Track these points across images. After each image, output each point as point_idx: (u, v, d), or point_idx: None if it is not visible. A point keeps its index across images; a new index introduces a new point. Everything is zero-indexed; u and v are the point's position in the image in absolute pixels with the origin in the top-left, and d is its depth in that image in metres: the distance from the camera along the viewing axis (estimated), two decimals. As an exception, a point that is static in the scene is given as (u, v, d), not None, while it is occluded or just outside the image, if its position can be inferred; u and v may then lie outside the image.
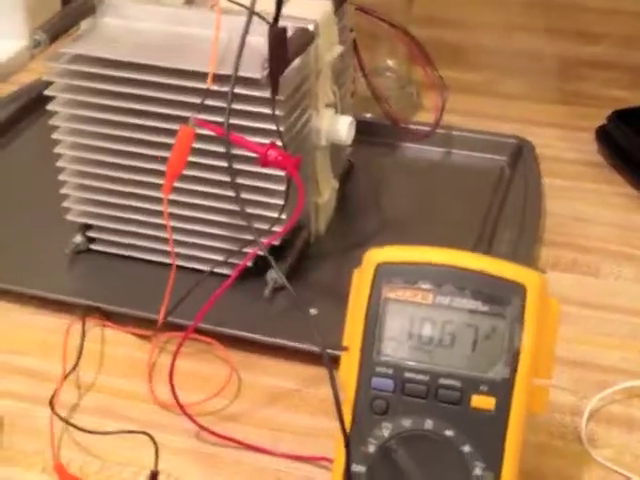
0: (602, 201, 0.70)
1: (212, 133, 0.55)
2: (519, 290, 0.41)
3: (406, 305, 0.41)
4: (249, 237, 0.59)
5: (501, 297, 0.41)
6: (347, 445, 0.39)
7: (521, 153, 0.73)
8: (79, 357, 0.55)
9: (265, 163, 0.54)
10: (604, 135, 0.75)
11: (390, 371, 0.41)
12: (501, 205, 0.68)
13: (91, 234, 0.63)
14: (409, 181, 0.72)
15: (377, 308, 0.42)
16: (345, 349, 0.43)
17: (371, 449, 0.41)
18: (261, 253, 0.59)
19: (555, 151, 0.75)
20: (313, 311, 0.59)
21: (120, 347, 0.57)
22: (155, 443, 0.46)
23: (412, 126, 0.75)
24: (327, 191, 0.65)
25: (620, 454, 0.49)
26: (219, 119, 0.54)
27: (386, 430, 0.41)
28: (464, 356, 0.41)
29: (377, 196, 0.71)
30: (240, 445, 0.50)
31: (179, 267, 0.58)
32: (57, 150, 0.61)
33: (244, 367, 0.55)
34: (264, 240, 0.54)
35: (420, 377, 0.41)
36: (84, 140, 0.60)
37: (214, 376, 0.54)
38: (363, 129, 0.67)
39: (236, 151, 0.56)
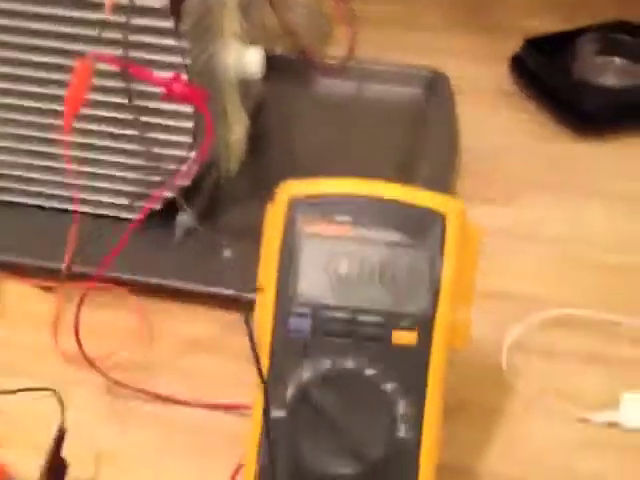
0: (518, 130, 0.69)
1: (112, 68, 0.52)
2: (438, 219, 0.39)
3: (322, 240, 0.39)
4: (156, 179, 0.56)
5: (420, 227, 0.39)
6: (265, 389, 0.37)
7: (435, 85, 0.71)
8: (-23, 313, 0.52)
9: (170, 97, 0.50)
10: (518, 64, 0.74)
11: (307, 310, 0.39)
12: (417, 139, 0.67)
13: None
14: (322, 117, 0.70)
15: (292, 244, 0.40)
16: (260, 290, 0.41)
17: (290, 392, 0.39)
18: (169, 195, 0.56)
19: (469, 82, 0.73)
20: (227, 253, 0.56)
21: (22, 300, 0.54)
22: (61, 400, 0.43)
23: (323, 60, 0.72)
24: (238, 128, 0.62)
25: (541, 383, 0.49)
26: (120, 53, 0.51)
27: (305, 372, 0.39)
28: (384, 291, 0.39)
29: (290, 133, 0.68)
30: (155, 397, 0.48)
31: (83, 213, 0.54)
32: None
33: (157, 316, 0.53)
34: (171, 180, 0.51)
35: (339, 315, 0.39)
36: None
37: (125, 327, 0.52)
38: (273, 64, 0.64)
39: (139, 87, 0.52)
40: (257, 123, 0.67)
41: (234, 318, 0.52)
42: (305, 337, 0.39)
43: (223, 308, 0.53)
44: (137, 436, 0.46)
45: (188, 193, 0.57)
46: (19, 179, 0.58)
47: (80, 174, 0.56)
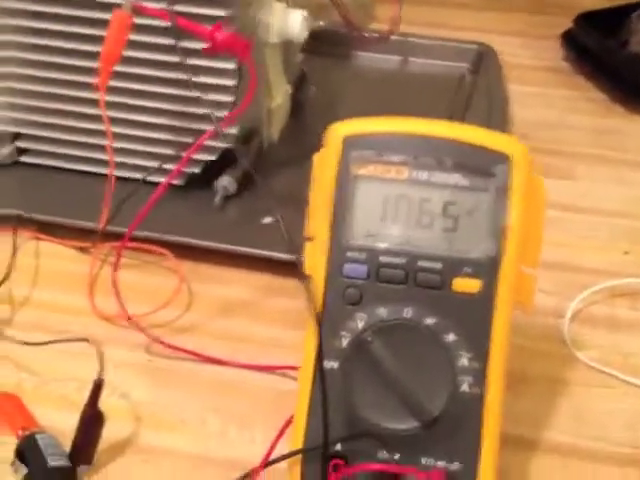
0: (570, 107, 0.67)
1: (152, 22, 0.50)
2: (504, 160, 0.36)
3: (378, 182, 0.37)
4: (192, 140, 0.54)
5: (484, 169, 0.36)
6: (320, 335, 0.35)
7: (483, 59, 0.69)
8: (10, 270, 0.50)
9: (213, 46, 0.48)
10: (570, 40, 0.71)
11: (363, 256, 0.37)
12: (464, 113, 0.64)
13: (21, 144, 0.57)
14: (366, 90, 0.68)
15: (346, 188, 0.37)
16: (309, 239, 0.39)
17: (344, 343, 0.36)
18: (208, 158, 0.55)
19: (519, 59, 0.71)
20: (267, 220, 0.54)
21: (57, 260, 0.52)
22: (98, 349, 0.41)
23: (367, 33, 0.70)
24: (280, 95, 0.60)
25: (605, 354, 0.46)
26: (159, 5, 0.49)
27: (360, 321, 0.36)
28: (445, 236, 0.36)
29: (333, 105, 0.66)
30: (196, 357, 0.45)
31: (118, 177, 0.52)
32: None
33: (194, 277, 0.50)
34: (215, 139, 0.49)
35: (397, 260, 0.36)
36: (9, 36, 0.54)
37: (162, 287, 0.49)
38: (316, 37, 0.62)
39: (179, 43, 0.50)
40: (299, 93, 0.65)
41: (271, 282, 0.50)
42: (360, 284, 0.37)
43: (260, 271, 0.51)
44: (175, 394, 0.44)
45: (230, 159, 0.56)
46: (56, 142, 0.56)
47: (116, 136, 0.54)
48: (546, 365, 0.46)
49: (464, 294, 0.36)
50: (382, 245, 0.37)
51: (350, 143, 0.37)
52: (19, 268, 0.50)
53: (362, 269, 0.37)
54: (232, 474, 0.39)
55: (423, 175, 0.37)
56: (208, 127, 0.52)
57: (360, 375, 0.36)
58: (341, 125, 0.38)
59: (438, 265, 0.36)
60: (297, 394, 0.37)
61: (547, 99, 0.67)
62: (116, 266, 0.45)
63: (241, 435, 0.42)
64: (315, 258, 0.38)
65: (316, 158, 0.39)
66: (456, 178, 0.37)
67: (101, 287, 0.49)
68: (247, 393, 0.44)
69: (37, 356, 0.45)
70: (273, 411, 0.43)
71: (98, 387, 0.39)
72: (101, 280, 0.50)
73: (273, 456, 0.38)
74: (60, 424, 0.40)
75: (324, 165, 0.38)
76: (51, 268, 0.51)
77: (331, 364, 0.36)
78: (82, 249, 0.52)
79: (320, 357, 0.35)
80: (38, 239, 0.52)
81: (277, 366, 0.45)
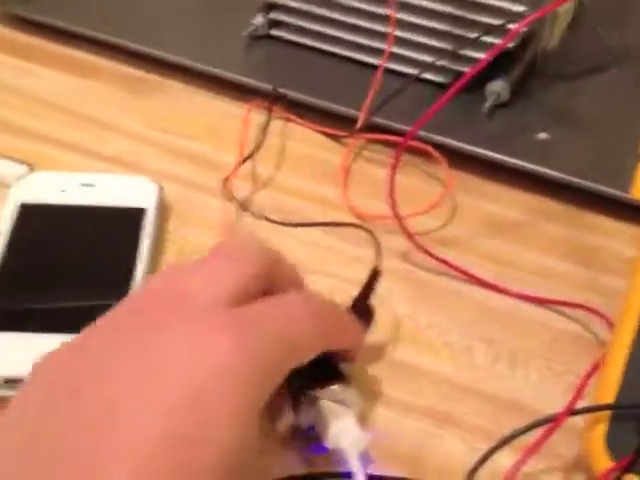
0: None
1: None
2: None
3: None
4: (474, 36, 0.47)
5: None
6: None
7: None
8: (257, 148, 0.45)
9: None
10: None
11: None
12: None
13: (275, 16, 0.52)
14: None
15: None
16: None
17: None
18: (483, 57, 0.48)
19: None
20: (543, 135, 0.47)
21: (305, 145, 0.46)
22: (376, 240, 0.35)
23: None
24: (569, -1, 0.52)
25: None
26: None
27: None
28: None
29: (617, 16, 0.58)
30: (464, 276, 0.39)
31: (389, 70, 0.47)
32: None
33: (459, 187, 0.44)
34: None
35: None
36: None
37: (424, 192, 0.43)
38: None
39: None
40: (581, 6, 0.56)
41: (546, 206, 0.43)
42: None
43: (533, 193, 0.44)
44: (438, 312, 0.38)
45: (501, 63, 0.49)
46: (315, 18, 0.50)
47: (386, 21, 0.48)
48: None
49: None
50: None
51: None
52: (265, 148, 0.45)
53: None
54: (504, 412, 0.33)
55: None
56: (498, 21, 0.46)
57: None
58: None
59: None
60: (612, 339, 0.31)
61: None
62: (396, 164, 0.39)
63: (513, 371, 0.36)
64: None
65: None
66: None
67: (352, 181, 0.44)
68: (518, 325, 0.38)
69: (278, 241, 0.40)
70: (548, 350, 0.37)
71: (375, 276, 0.34)
72: (352, 173, 0.45)
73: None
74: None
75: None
76: (299, 152, 0.46)
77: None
78: (334, 137, 0.47)
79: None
80: (287, 120, 0.47)
81: (553, 300, 0.38)
